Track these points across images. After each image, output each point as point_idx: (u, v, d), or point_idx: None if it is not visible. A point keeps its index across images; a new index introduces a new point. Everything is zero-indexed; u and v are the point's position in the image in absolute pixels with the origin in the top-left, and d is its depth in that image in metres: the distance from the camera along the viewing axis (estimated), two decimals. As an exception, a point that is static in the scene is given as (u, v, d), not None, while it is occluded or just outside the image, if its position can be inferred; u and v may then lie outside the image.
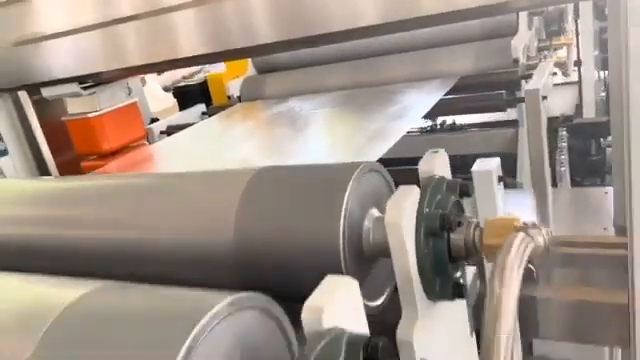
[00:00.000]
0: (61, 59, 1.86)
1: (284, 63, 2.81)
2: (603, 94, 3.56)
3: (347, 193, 0.83)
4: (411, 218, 0.79)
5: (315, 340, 0.56)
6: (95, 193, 1.13)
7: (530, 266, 0.74)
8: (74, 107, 2.11)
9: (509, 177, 2.21)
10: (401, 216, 0.77)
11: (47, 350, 0.64)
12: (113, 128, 2.13)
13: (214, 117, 2.65)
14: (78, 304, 0.68)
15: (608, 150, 2.82)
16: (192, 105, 3.09)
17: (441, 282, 0.84)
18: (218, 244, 0.90)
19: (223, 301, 0.60)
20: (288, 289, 0.81)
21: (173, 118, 2.95)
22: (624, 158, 1.20)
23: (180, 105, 3.42)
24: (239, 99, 2.83)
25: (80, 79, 1.94)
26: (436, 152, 0.94)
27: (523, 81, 2.26)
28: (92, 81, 2.00)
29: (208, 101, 3.17)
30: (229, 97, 3.02)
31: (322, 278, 0.67)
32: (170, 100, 4.38)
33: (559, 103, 3.18)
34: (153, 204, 1.01)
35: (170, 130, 2.66)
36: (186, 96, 3.36)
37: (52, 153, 2.19)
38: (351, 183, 0.85)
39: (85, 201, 1.12)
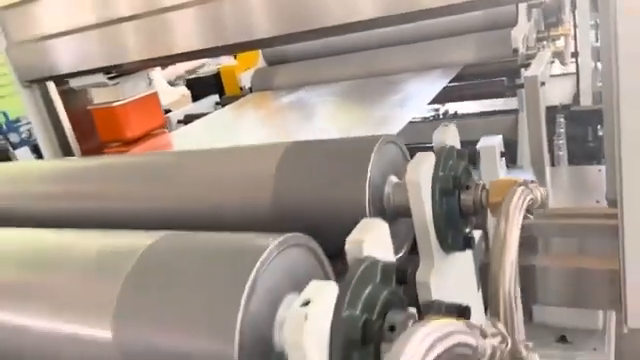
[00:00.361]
0: (88, 51, 1.97)
1: (293, 55, 2.93)
2: (600, 84, 3.67)
3: (370, 162, 0.97)
4: (428, 179, 0.92)
5: (356, 266, 0.69)
6: (139, 168, 1.26)
7: (528, 215, 0.87)
8: (99, 97, 2.22)
9: (510, 163, 2.33)
10: (420, 177, 0.90)
11: (132, 290, 0.76)
12: (136, 116, 2.25)
13: (227, 107, 2.78)
14: (153, 249, 0.81)
15: (605, 137, 2.95)
16: (205, 96, 3.22)
17: (453, 235, 0.97)
18: (258, 207, 1.03)
19: (276, 239, 0.74)
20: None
21: (188, 108, 3.08)
22: (614, 137, 1.32)
23: (193, 96, 3.55)
24: (250, 90, 2.96)
25: (106, 70, 2.06)
26: (447, 126, 1.08)
27: (522, 69, 2.38)
28: (116, 72, 2.12)
29: (221, 92, 3.29)
30: (241, 88, 3.15)
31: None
32: (177, 93, 4.51)
33: (557, 94, 3.29)
34: (197, 174, 1.14)
35: (187, 119, 2.79)
36: (200, 87, 3.49)
37: (77, 140, 2.31)
38: (373, 153, 0.98)
39: (130, 176, 1.25)
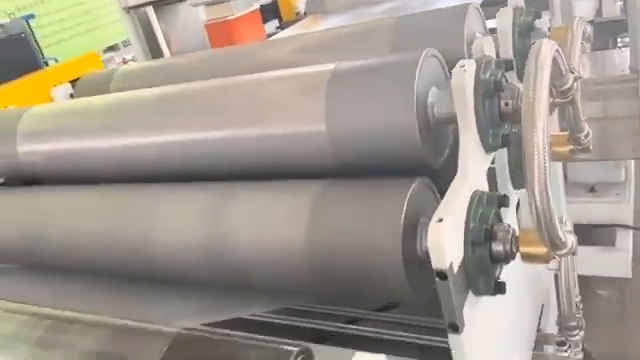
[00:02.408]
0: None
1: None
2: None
3: (416, 78, 0.92)
4: (471, 83, 0.86)
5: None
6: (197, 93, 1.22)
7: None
8: (211, 14, 2.17)
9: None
10: (464, 81, 0.85)
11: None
12: (245, 30, 2.21)
13: (287, 29, 2.70)
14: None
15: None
16: (266, 22, 3.14)
17: (493, 135, 0.93)
18: (310, 133, 1.00)
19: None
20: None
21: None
22: (636, 18, 1.30)
23: (256, 22, 3.47)
24: (305, 14, 2.86)
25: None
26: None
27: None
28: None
29: (280, 17, 3.21)
30: (297, 13, 3.05)
31: (401, 143, 0.87)
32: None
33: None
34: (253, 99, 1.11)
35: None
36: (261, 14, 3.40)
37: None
38: (418, 68, 0.93)
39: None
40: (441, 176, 0.97)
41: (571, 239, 0.77)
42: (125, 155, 1.26)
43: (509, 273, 0.90)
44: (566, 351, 1.14)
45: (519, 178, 1.13)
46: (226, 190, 1.08)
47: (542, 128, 0.70)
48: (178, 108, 1.21)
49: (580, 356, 1.25)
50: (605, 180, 2.04)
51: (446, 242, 0.74)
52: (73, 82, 1.84)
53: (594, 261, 1.87)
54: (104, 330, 0.75)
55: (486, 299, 0.88)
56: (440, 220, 0.75)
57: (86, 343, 0.74)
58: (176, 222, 1.08)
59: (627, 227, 2.00)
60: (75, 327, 0.78)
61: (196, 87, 1.24)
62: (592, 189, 2.07)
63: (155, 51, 2.40)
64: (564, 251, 0.74)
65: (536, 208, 0.70)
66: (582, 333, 1.26)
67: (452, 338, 0.81)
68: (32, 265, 1.36)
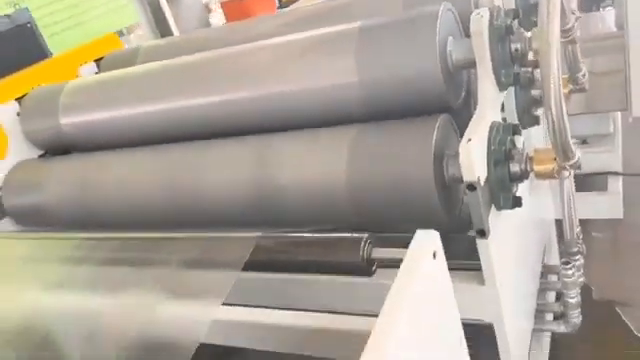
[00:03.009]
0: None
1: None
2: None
3: (438, 29, 1.05)
4: (486, 29, 1.01)
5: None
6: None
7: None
8: None
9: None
10: (482, 26, 0.99)
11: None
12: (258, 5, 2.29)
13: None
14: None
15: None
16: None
17: (505, 74, 1.07)
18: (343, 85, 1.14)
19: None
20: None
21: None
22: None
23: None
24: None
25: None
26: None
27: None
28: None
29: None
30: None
31: (426, 87, 1.01)
32: None
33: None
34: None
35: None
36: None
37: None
38: (438, 20, 1.06)
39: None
40: (459, 115, 1.12)
41: (578, 153, 0.92)
42: (168, 118, 1.39)
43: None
44: (570, 269, 1.30)
45: (527, 117, 1.27)
46: (269, 138, 1.22)
47: (556, 49, 0.84)
48: (216, 72, 1.34)
49: (582, 279, 1.41)
50: (595, 132, 2.21)
51: (475, 158, 0.89)
52: (97, 61, 1.94)
53: (589, 206, 2.04)
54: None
55: (505, 215, 1.03)
56: (469, 140, 0.90)
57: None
58: (224, 169, 1.22)
59: (617, 174, 2.19)
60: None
61: (231, 52, 1.36)
62: (584, 141, 2.27)
63: (163, 33, 2.51)
64: (573, 161, 0.89)
65: (552, 120, 0.84)
66: (582, 260, 1.41)
67: (480, 243, 0.96)
68: (89, 222, 1.48)
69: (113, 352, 0.83)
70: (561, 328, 1.39)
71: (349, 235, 0.78)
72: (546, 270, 1.58)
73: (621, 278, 1.92)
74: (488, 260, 0.97)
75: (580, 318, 1.38)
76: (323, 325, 0.85)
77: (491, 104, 1.04)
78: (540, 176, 1.00)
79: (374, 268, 0.88)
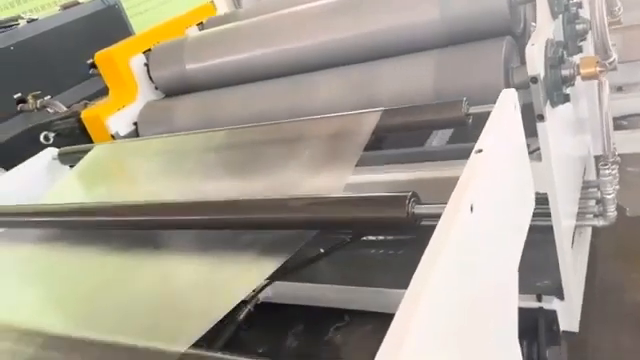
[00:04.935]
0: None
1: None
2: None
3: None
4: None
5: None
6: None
7: None
8: None
9: None
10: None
11: None
12: None
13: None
14: None
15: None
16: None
17: (557, 3, 1.39)
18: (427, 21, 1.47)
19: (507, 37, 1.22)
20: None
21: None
22: None
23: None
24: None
25: None
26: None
27: None
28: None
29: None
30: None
31: (495, 18, 1.31)
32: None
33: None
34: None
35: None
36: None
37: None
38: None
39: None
40: (518, 42, 1.44)
41: (614, 54, 1.23)
42: (285, 57, 1.72)
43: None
44: (607, 169, 1.59)
45: (572, 46, 1.57)
46: (370, 64, 1.55)
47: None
48: (321, 18, 1.68)
49: (617, 186, 1.70)
50: (629, 81, 2.51)
51: (537, 57, 1.21)
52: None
53: (625, 142, 2.31)
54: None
55: (557, 112, 1.34)
56: (532, 45, 1.22)
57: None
58: (335, 83, 1.56)
59: (650, 116, 2.48)
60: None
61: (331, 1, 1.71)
62: (619, 88, 2.58)
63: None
64: (610, 59, 1.21)
65: (596, 25, 1.15)
66: (617, 170, 1.69)
67: (540, 126, 1.28)
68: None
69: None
70: (600, 222, 1.69)
71: (394, 194, 0.91)
72: (585, 184, 1.88)
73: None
74: (545, 140, 1.29)
75: (615, 213, 1.67)
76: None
77: (547, 26, 1.35)
78: (585, 77, 1.31)
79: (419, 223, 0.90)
